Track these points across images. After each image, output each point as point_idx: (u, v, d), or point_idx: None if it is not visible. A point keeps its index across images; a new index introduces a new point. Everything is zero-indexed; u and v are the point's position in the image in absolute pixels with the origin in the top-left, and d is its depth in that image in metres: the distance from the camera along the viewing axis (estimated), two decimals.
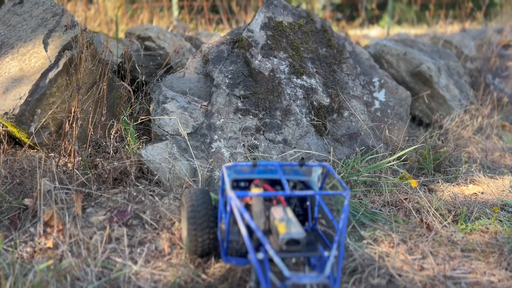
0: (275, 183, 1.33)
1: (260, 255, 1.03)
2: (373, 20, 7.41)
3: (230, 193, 1.06)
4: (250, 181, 1.32)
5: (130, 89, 2.10)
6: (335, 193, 1.10)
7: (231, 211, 1.16)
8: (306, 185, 1.35)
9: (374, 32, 6.14)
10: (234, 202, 1.05)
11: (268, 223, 1.17)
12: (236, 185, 1.33)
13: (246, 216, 1.01)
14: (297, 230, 1.07)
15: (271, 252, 0.96)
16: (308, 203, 1.33)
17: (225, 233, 1.15)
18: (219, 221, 1.28)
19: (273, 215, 1.14)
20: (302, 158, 1.31)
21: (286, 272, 0.93)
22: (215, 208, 1.34)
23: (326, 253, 1.06)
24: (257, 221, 1.15)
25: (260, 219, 1.14)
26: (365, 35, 5.59)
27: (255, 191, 1.21)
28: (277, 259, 0.95)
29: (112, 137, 1.92)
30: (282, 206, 1.19)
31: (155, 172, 1.78)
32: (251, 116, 2.02)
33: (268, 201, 1.26)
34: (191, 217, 1.27)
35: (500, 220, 1.72)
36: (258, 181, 1.28)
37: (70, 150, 1.80)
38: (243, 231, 1.02)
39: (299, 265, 1.09)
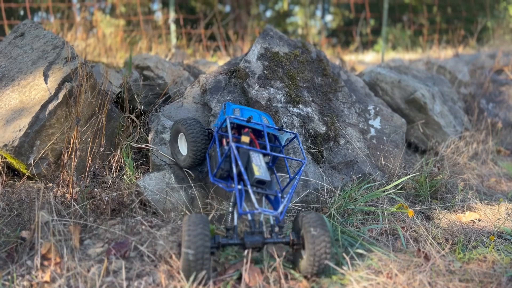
0: (255, 131, 1.77)
1: (240, 187, 1.46)
2: (368, 45, 7.54)
3: (231, 144, 1.47)
4: (238, 125, 1.72)
5: (129, 120, 2.12)
6: (296, 160, 1.61)
7: (228, 151, 1.53)
8: (276, 138, 1.79)
9: (369, 57, 6.23)
10: (233, 150, 1.46)
11: (247, 161, 1.56)
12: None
13: (239, 162, 1.42)
14: (265, 175, 1.50)
15: (250, 189, 1.37)
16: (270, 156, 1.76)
17: (218, 162, 1.55)
18: (209, 148, 1.73)
19: (251, 159, 1.54)
20: (282, 125, 1.73)
21: (256, 205, 1.34)
22: (208, 134, 1.80)
23: (279, 195, 1.54)
24: (242, 159, 1.53)
25: (244, 158, 1.53)
26: (360, 60, 5.68)
27: (244, 138, 1.62)
28: (252, 196, 1.36)
29: (110, 167, 1.93)
30: (259, 154, 1.59)
31: (152, 203, 1.78)
32: None
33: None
34: (192, 141, 1.74)
35: (498, 249, 1.72)
36: (247, 130, 1.68)
37: (69, 181, 1.81)
38: (235, 169, 1.42)
39: (260, 197, 1.54)
